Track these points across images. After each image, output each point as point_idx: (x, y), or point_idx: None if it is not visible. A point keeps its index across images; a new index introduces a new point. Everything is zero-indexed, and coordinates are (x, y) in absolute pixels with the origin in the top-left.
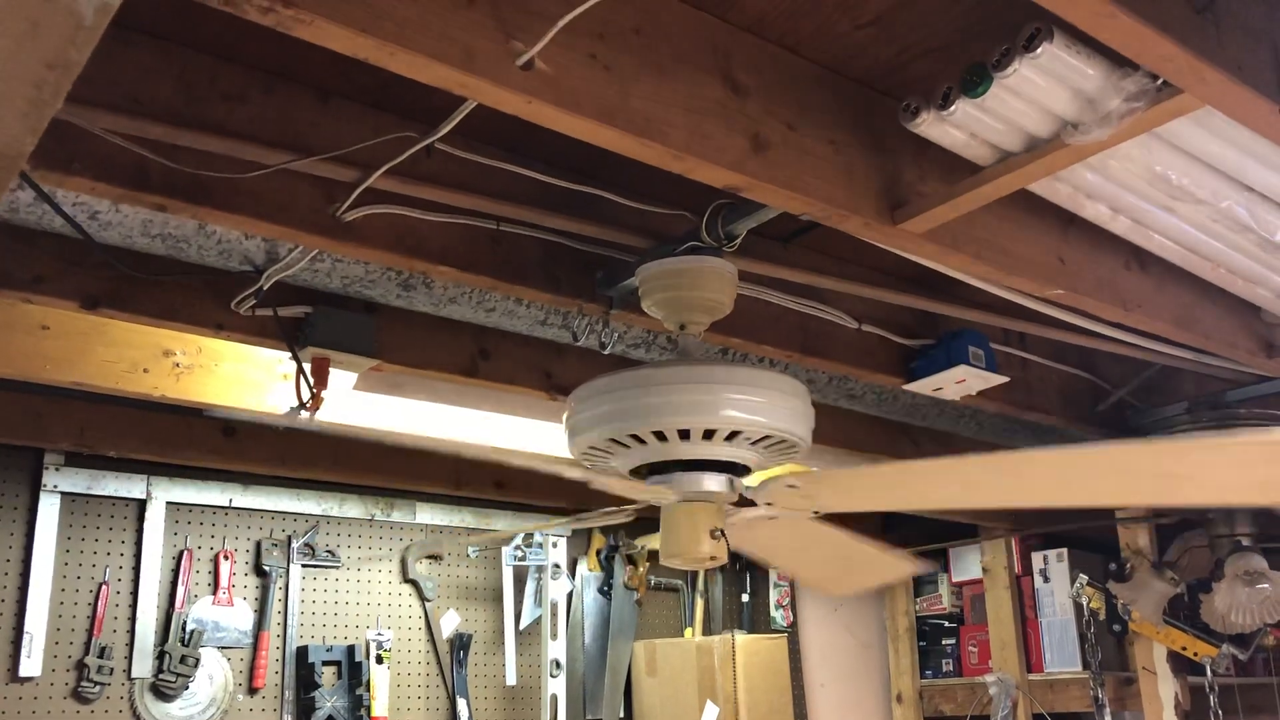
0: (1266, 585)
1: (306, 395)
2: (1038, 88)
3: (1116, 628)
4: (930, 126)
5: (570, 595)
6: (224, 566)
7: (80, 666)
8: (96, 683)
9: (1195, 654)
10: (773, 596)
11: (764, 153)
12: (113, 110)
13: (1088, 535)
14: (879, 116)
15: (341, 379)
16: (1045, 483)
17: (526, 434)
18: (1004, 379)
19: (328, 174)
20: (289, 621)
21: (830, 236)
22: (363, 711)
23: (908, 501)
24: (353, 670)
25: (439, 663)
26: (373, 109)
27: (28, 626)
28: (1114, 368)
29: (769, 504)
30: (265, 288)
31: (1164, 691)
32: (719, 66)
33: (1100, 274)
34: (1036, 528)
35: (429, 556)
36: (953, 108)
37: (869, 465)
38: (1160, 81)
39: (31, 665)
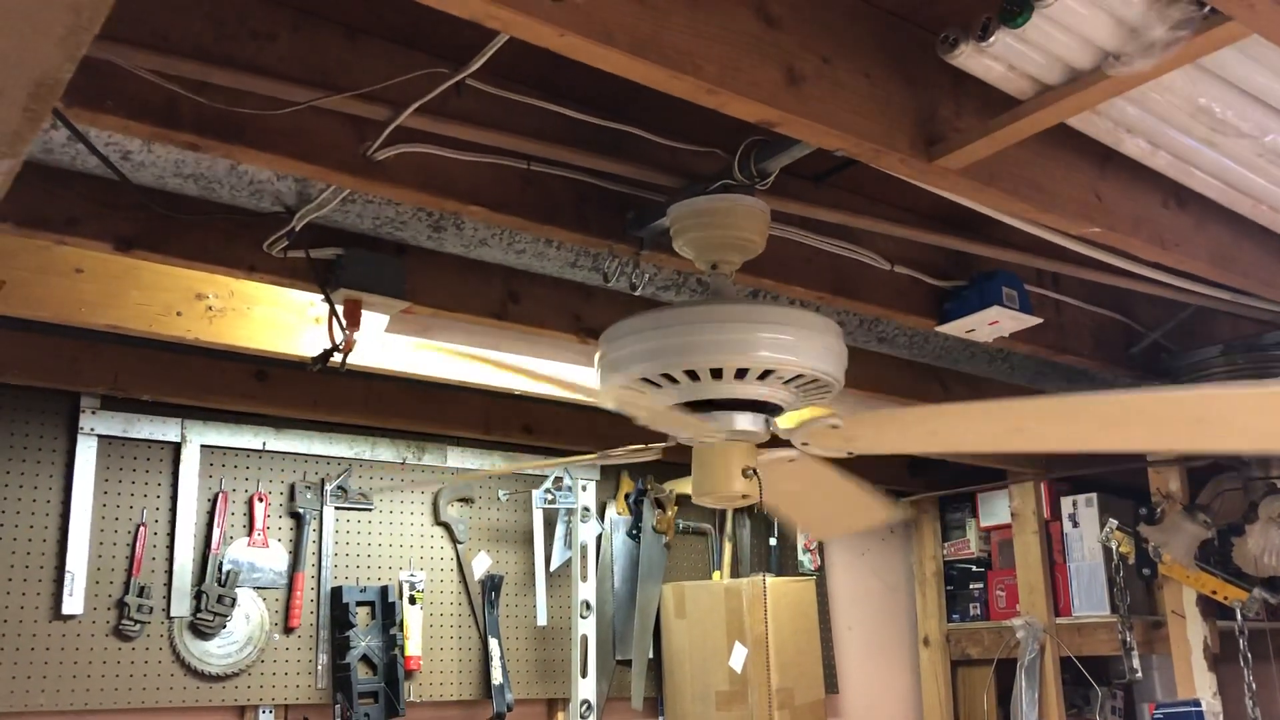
0: None
1: (339, 338)
2: (1079, 17)
3: (1146, 571)
4: (968, 58)
5: (599, 538)
6: (258, 508)
7: (121, 605)
8: (137, 621)
9: (1225, 598)
10: (800, 541)
11: (798, 86)
12: (142, 48)
13: (1117, 480)
14: (914, 49)
15: (373, 322)
16: (1085, 428)
17: (557, 376)
18: (1037, 320)
19: (358, 112)
20: (323, 563)
21: (862, 175)
22: (396, 651)
23: (945, 444)
24: (386, 610)
25: (471, 604)
26: (403, 46)
27: (69, 566)
28: (1148, 310)
29: (805, 444)
30: (297, 229)
31: (1193, 635)
32: None
33: (1137, 212)
34: (1065, 471)
35: (460, 500)
36: (992, 39)
37: (909, 407)
38: (1207, 9)
39: (74, 604)
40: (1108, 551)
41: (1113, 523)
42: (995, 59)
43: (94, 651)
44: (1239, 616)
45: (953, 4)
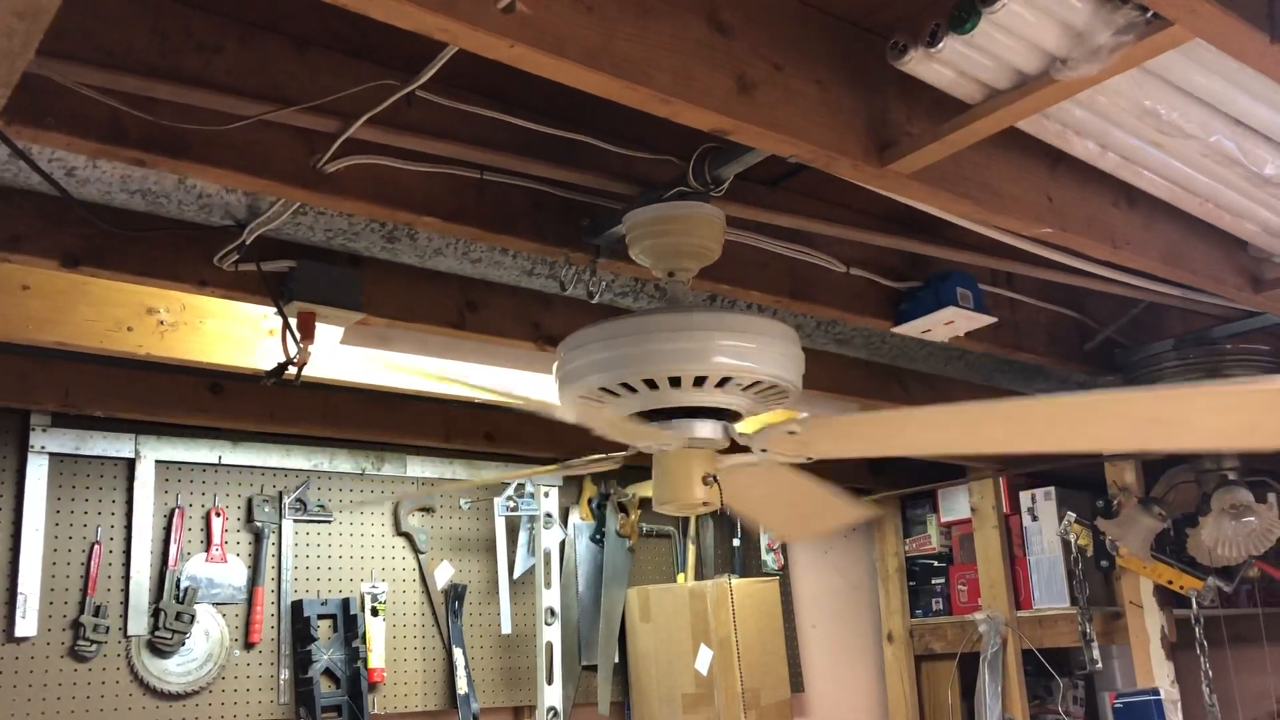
0: (1253, 518)
1: (293, 350)
2: (1026, 23)
3: (1104, 564)
4: (918, 64)
5: (563, 544)
6: (216, 523)
7: (76, 626)
8: (93, 641)
9: (1181, 587)
10: (763, 540)
11: (750, 94)
12: (85, 63)
13: (1075, 473)
14: (865, 55)
15: (328, 333)
16: (1040, 431)
17: (516, 385)
18: (992, 319)
19: (308, 125)
20: (283, 576)
21: (817, 179)
22: (359, 664)
23: (902, 447)
24: (348, 623)
25: (434, 614)
26: (352, 58)
27: (21, 587)
28: (1102, 306)
29: (764, 450)
30: (248, 242)
31: (1151, 624)
32: (702, 5)
33: (1088, 212)
34: (1024, 467)
35: (421, 509)
36: (941, 45)
37: (866, 412)
38: (1150, 14)
39: (27, 625)
40: (1066, 544)
41: (1070, 516)
42: (945, 64)
43: (49, 674)
44: (1194, 605)
45: (902, 10)
